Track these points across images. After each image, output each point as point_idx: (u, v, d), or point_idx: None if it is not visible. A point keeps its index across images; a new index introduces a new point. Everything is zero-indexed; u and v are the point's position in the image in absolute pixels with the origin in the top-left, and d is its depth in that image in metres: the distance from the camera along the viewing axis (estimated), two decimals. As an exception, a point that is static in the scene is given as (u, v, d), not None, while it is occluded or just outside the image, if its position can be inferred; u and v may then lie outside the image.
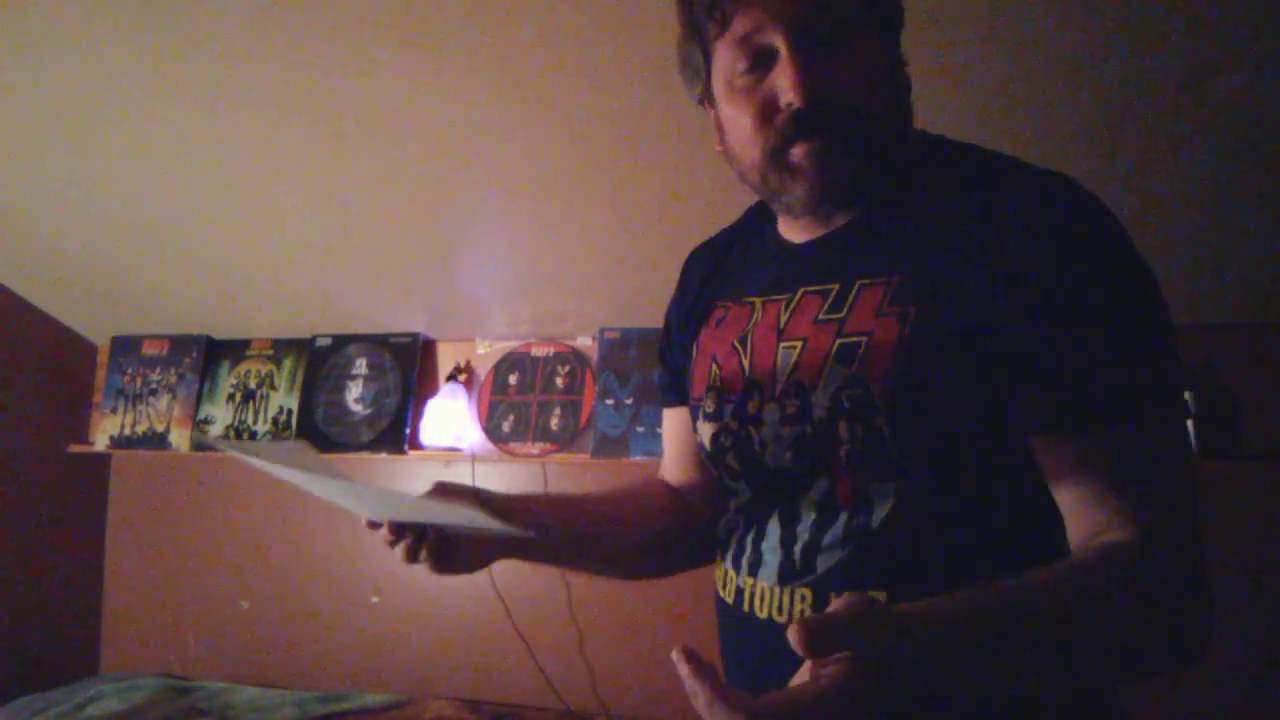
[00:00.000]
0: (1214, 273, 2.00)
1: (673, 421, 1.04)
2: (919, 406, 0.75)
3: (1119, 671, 0.72)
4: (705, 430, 0.92)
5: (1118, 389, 0.72)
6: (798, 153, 0.80)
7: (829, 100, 0.78)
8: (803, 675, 0.57)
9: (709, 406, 0.91)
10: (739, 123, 0.83)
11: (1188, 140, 1.71)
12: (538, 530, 0.83)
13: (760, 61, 0.80)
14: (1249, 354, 2.10)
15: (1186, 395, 1.99)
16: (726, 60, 0.83)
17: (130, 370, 2.91)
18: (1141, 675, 0.72)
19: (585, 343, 2.57)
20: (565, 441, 2.48)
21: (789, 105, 0.79)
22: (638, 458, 2.39)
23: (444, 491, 0.85)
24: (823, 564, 0.79)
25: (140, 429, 2.85)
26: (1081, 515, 0.72)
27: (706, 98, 0.89)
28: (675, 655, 0.54)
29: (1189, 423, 1.97)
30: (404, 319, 2.67)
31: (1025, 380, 0.73)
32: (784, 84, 0.78)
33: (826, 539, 0.79)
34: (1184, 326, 2.26)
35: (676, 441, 1.04)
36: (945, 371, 0.74)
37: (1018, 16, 1.55)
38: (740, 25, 0.80)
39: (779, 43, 0.79)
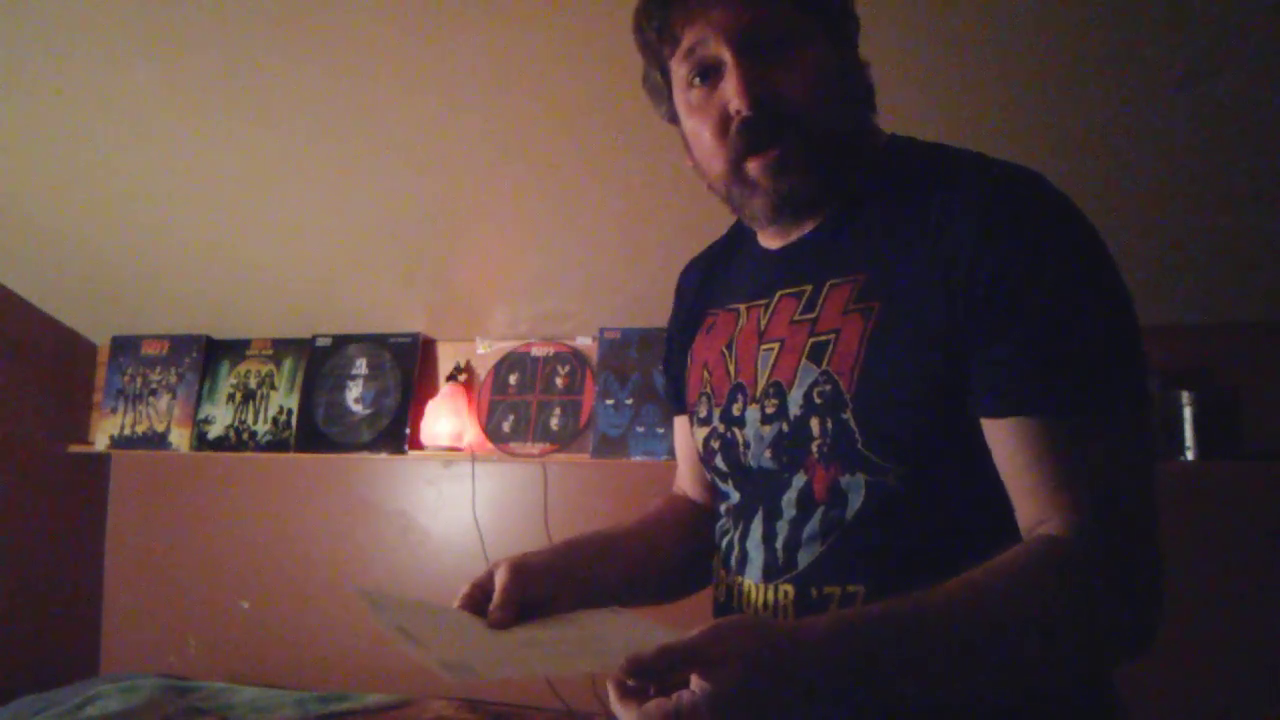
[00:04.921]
0: (1214, 273, 2.00)
1: (682, 430, 1.06)
2: (882, 399, 0.77)
3: (1050, 669, 0.72)
4: (699, 435, 0.95)
5: (1063, 377, 0.72)
6: (753, 167, 0.82)
7: (776, 107, 0.80)
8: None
9: (701, 411, 0.95)
10: (699, 136, 0.85)
11: (1188, 140, 1.71)
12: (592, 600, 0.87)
13: (711, 74, 0.83)
14: (1249, 354, 2.10)
15: (1185, 395, 2.01)
16: (681, 76, 0.85)
17: (130, 370, 2.91)
18: (1080, 668, 0.73)
19: (585, 343, 2.57)
20: (565, 441, 2.48)
21: (738, 113, 0.80)
22: (638, 458, 2.39)
23: (520, 573, 0.83)
24: (803, 559, 0.81)
25: (140, 429, 2.85)
26: (1023, 504, 0.74)
27: (673, 116, 0.91)
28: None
29: (1189, 417, 1.99)
30: (404, 319, 2.67)
31: (977, 366, 0.74)
32: (730, 92, 0.80)
33: (805, 534, 0.81)
34: (1184, 326, 2.28)
35: (687, 449, 1.06)
36: (906, 364, 0.76)
37: (1016, 16, 1.55)
38: (688, 40, 0.82)
39: (724, 53, 0.81)
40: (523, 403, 2.55)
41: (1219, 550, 2.06)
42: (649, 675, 0.62)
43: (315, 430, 2.68)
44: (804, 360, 0.82)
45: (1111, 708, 0.80)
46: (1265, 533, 2.06)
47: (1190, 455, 2.02)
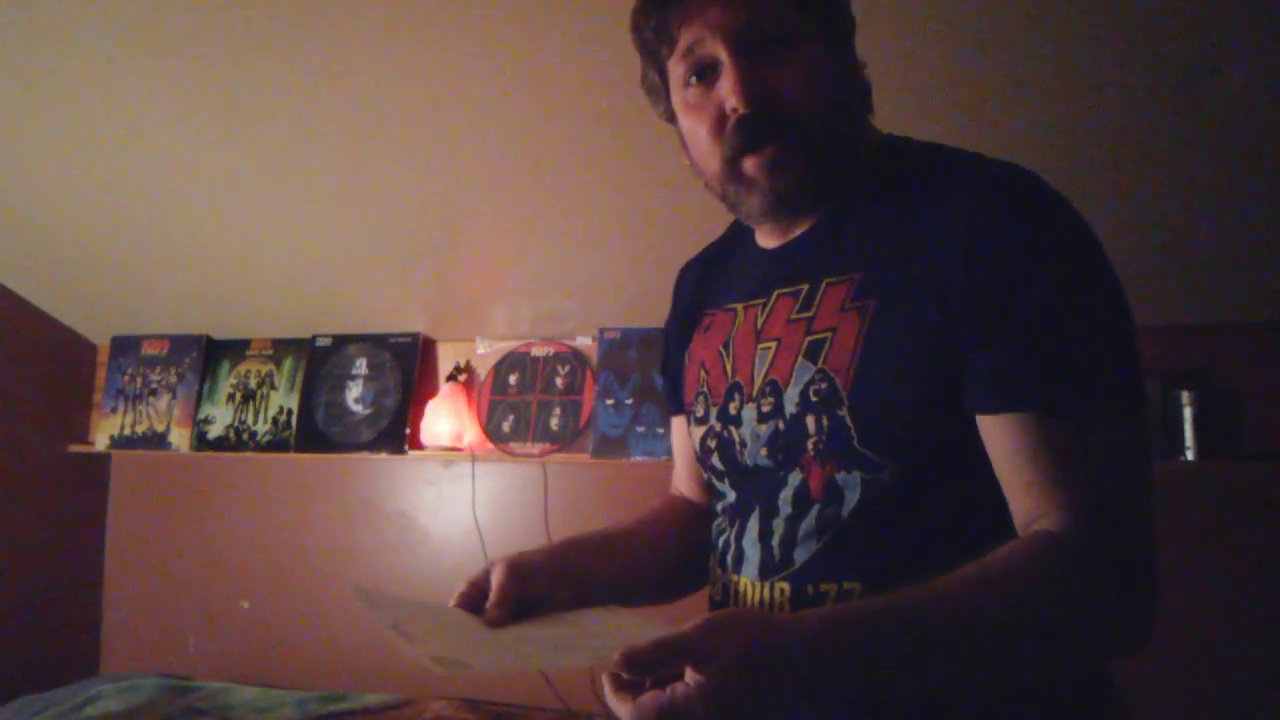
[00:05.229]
0: (1214, 273, 2.00)
1: (679, 430, 1.07)
2: (878, 397, 0.77)
3: (1044, 664, 0.72)
4: (696, 434, 0.95)
5: (1061, 374, 0.73)
6: (749, 164, 0.83)
7: (772, 105, 0.81)
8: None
9: (698, 411, 0.95)
10: (696, 134, 0.86)
11: (1188, 140, 1.71)
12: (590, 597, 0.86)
13: (708, 73, 0.83)
14: (1249, 354, 2.10)
15: (1185, 395, 2.01)
16: (679, 75, 0.86)
17: (130, 370, 2.91)
18: (1074, 664, 0.74)
19: (585, 343, 2.57)
20: (565, 441, 2.48)
21: (734, 111, 0.81)
22: (638, 458, 2.39)
23: (516, 571, 0.83)
24: (799, 557, 0.81)
25: (140, 429, 2.85)
26: (1018, 500, 0.74)
27: (670, 115, 0.92)
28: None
29: (1189, 417, 1.99)
30: (404, 319, 2.67)
31: (974, 364, 0.74)
32: (727, 91, 0.81)
33: (801, 532, 0.81)
34: (1184, 326, 2.27)
35: (684, 449, 1.06)
36: (902, 362, 0.77)
37: (1015, 16, 1.55)
38: (685, 39, 0.83)
39: (721, 52, 0.81)
40: (523, 403, 2.55)
41: (1219, 550, 2.06)
42: (643, 668, 0.62)
43: (315, 430, 2.68)
44: (800, 358, 0.83)
45: (1111, 706, 0.80)
46: (1265, 533, 2.06)
47: (1190, 455, 2.02)
